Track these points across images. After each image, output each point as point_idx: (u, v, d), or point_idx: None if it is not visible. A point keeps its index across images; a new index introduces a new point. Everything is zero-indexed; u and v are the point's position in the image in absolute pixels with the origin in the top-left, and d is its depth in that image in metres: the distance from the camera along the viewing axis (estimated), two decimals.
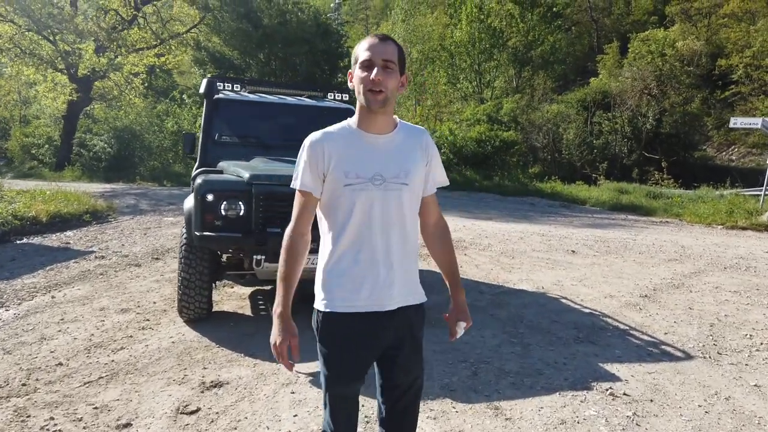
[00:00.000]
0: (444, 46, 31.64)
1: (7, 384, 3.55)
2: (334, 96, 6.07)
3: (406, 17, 34.09)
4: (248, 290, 5.90)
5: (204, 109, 5.47)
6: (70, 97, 24.12)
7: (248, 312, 5.19)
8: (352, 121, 1.91)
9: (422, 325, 2.11)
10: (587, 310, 5.63)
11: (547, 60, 30.70)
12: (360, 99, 1.84)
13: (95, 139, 23.66)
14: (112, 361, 3.94)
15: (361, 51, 1.83)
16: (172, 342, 4.31)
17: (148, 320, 4.83)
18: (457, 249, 8.70)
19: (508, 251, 8.65)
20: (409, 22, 34.78)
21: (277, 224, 4.35)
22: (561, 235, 10.42)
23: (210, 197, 4.29)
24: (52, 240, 8.74)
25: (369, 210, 1.86)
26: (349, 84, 1.92)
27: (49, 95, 25.17)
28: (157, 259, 7.38)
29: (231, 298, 5.61)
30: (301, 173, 1.91)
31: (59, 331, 4.56)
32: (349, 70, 1.91)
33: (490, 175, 21.30)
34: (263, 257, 4.33)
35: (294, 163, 5.13)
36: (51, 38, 22.04)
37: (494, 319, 5.18)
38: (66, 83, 24.03)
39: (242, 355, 4.11)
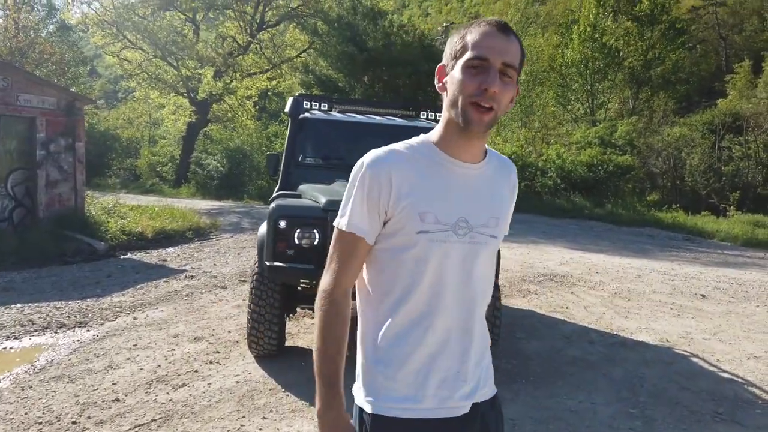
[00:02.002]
0: (554, 66, 30.36)
1: (58, 420, 3.32)
2: (427, 115, 5.56)
3: None
4: None
5: (288, 128, 5.16)
6: (190, 119, 25.70)
7: None
8: (431, 139, 1.38)
9: (502, 425, 1.51)
10: (726, 375, 4.61)
11: (668, 80, 28.46)
12: (453, 111, 1.30)
13: (209, 158, 24.90)
14: (170, 400, 3.62)
15: (472, 40, 1.27)
16: (237, 382, 3.93)
17: (218, 352, 4.52)
18: (563, 285, 7.81)
19: (623, 291, 7.62)
20: None
21: None
22: (687, 275, 9.14)
23: (283, 224, 3.90)
24: (152, 257, 8.91)
25: (445, 270, 1.32)
26: (437, 84, 1.37)
27: (171, 117, 27.00)
28: (243, 281, 7.20)
29: (308, 330, 5.20)
30: (350, 208, 1.33)
31: (128, 359, 4.35)
32: (440, 64, 1.35)
33: (601, 202, 19.77)
34: None
35: None
36: (174, 64, 23.60)
37: (607, 380, 4.34)
38: (186, 106, 25.63)
39: (307, 404, 3.64)
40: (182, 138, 27.52)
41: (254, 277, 4.20)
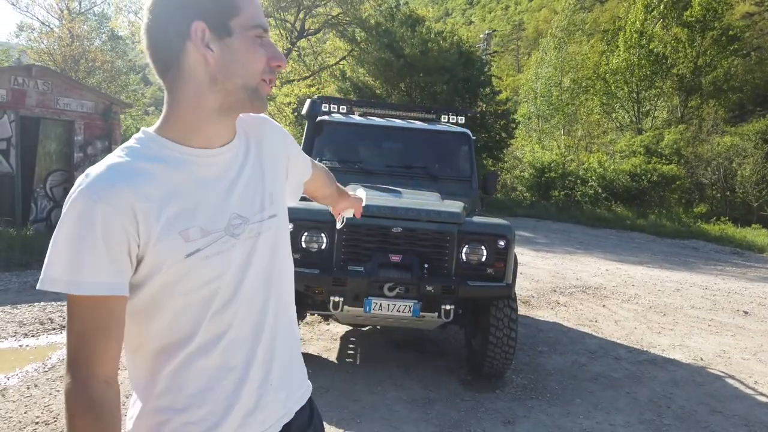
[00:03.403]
0: (599, 74, 29.62)
1: (55, 420, 3.29)
2: (449, 118, 5.40)
3: (559, 44, 32.51)
4: (344, 328, 5.35)
5: (305, 130, 5.09)
6: None
7: (334, 357, 4.61)
8: (163, 136, 1.06)
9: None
10: (763, 399, 4.27)
11: (720, 87, 27.35)
12: (236, 87, 1.05)
13: None
14: None
15: (241, 2, 1.03)
16: None
17: None
18: (595, 297, 7.48)
19: (658, 306, 7.24)
20: (561, 50, 33.16)
21: (360, 262, 3.75)
22: (730, 290, 8.64)
23: (290, 227, 3.80)
24: None
25: (234, 281, 1.09)
26: (197, 48, 1.01)
27: None
28: None
29: (322, 337, 5.09)
30: (80, 261, 0.95)
31: None
32: (197, 21, 1.00)
33: (644, 212, 19.08)
34: (341, 299, 3.73)
35: (396, 192, 4.56)
36: None
37: (631, 399, 4.06)
38: None
39: None
40: None
41: None
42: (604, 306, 7.07)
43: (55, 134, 9.70)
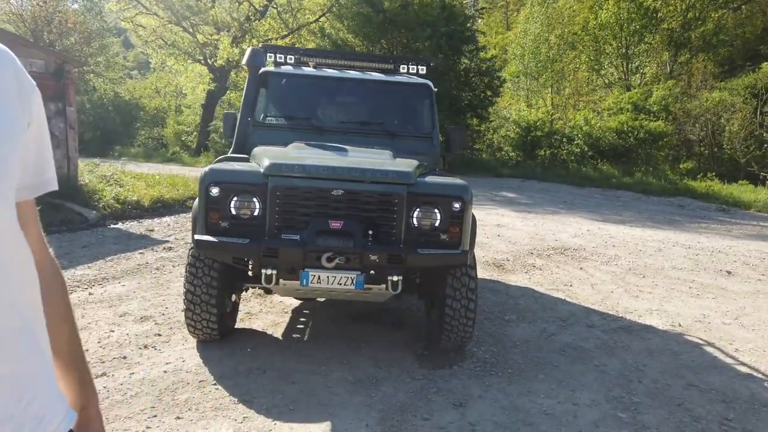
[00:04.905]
0: (587, 29, 28.80)
1: None
2: (408, 68, 4.90)
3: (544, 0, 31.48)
4: (297, 300, 4.95)
5: (246, 84, 4.58)
6: (209, 87, 25.30)
7: (280, 332, 4.23)
8: None
9: None
10: (744, 369, 3.95)
11: (709, 42, 26.66)
12: None
13: None
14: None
15: None
16: (164, 372, 3.45)
17: (159, 335, 4.05)
18: (573, 260, 7.14)
19: (638, 267, 6.91)
20: (549, 5, 32.15)
21: (296, 230, 3.32)
22: (714, 249, 8.34)
23: (215, 191, 3.35)
24: (141, 226, 8.53)
25: None
26: None
27: (189, 85, 26.65)
28: None
29: (272, 310, 4.70)
30: None
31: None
32: None
33: (631, 170, 18.72)
34: (274, 272, 3.31)
35: (341, 150, 4.10)
36: (190, 30, 23.11)
37: (599, 374, 3.72)
38: (205, 73, 25.21)
39: (236, 400, 3.13)
40: (202, 106, 27.19)
41: (189, 252, 3.69)
42: (581, 269, 6.72)
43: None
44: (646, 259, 7.35)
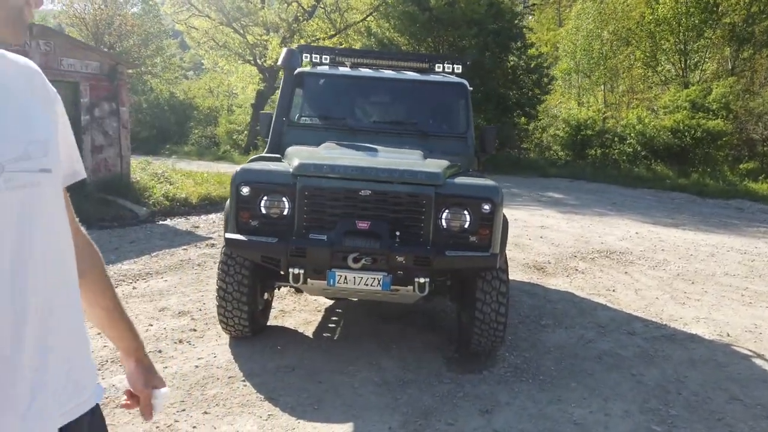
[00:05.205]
0: (642, 24, 27.82)
1: None
2: (443, 67, 4.84)
3: None
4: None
5: (281, 84, 4.63)
6: (258, 87, 25.80)
7: (311, 331, 4.26)
8: None
9: None
10: None
11: None
12: (9, 8, 0.91)
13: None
14: (113, 385, 3.27)
15: None
16: (196, 366, 3.54)
17: (194, 330, 4.15)
18: (618, 264, 6.91)
19: (687, 273, 6.62)
20: (602, 0, 31.23)
21: (324, 230, 3.33)
22: None
23: (245, 190, 3.40)
24: (187, 223, 8.78)
25: None
26: None
27: (240, 85, 27.27)
28: None
29: (305, 308, 4.74)
30: None
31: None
32: None
33: (687, 171, 17.97)
34: (302, 271, 3.33)
35: (371, 151, 4.09)
36: (240, 31, 23.62)
37: (635, 384, 3.58)
38: (254, 73, 25.72)
39: (262, 397, 3.18)
40: (252, 106, 27.75)
41: (222, 250, 3.76)
42: (626, 273, 6.50)
43: (60, 96, 9.48)
44: (697, 265, 7.04)
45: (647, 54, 27.74)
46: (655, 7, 26.87)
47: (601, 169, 19.09)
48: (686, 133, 18.89)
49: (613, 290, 5.77)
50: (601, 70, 28.97)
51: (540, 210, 11.43)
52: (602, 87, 31.28)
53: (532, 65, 20.30)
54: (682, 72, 26.75)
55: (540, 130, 23.47)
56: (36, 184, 0.91)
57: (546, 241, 8.21)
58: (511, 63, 19.48)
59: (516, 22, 20.55)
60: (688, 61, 26.74)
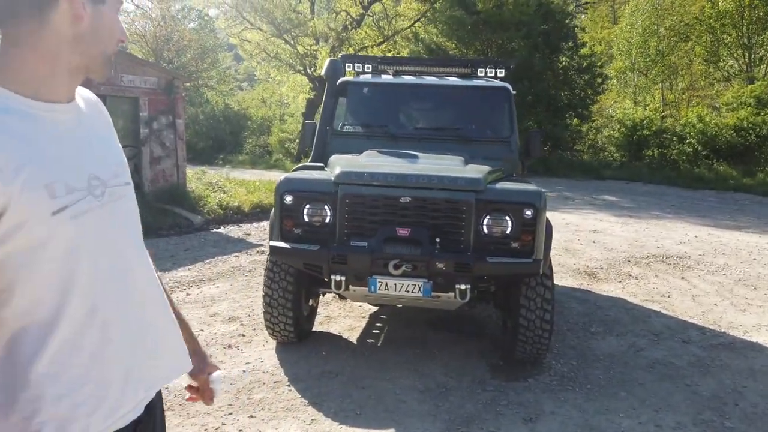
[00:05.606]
0: (701, 19, 26.71)
1: None
2: (486, 71, 4.81)
3: None
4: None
5: (325, 93, 4.71)
6: (308, 96, 26.29)
7: (355, 337, 4.30)
8: (1, 84, 0.97)
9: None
10: None
11: None
12: (97, 52, 1.04)
13: None
14: (166, 387, 3.40)
15: None
16: (243, 371, 3.64)
17: (243, 335, 4.27)
18: (674, 269, 6.65)
19: (750, 278, 6.30)
20: None
21: (365, 237, 3.37)
22: None
23: (289, 199, 3.49)
24: (239, 230, 9.04)
25: (100, 246, 1.02)
26: (70, 8, 0.98)
27: (291, 94, 27.85)
28: None
29: (350, 314, 4.79)
30: None
31: None
32: None
33: (752, 171, 17.11)
34: (343, 278, 3.38)
35: (412, 157, 4.10)
36: (291, 42, 24.14)
37: (690, 394, 3.44)
38: (304, 83, 26.22)
39: (306, 402, 3.23)
40: (302, 114, 28.28)
41: (267, 257, 3.86)
42: (683, 278, 6.25)
43: (121, 111, 9.95)
44: (760, 269, 6.69)
45: (708, 49, 26.61)
46: (716, 1, 25.78)
47: (659, 170, 18.42)
48: (751, 131, 18.01)
49: (669, 296, 5.57)
50: (658, 67, 27.99)
51: (593, 213, 11.14)
52: (660, 85, 30.22)
53: (584, 65, 19.85)
54: (746, 67, 25.54)
55: (594, 131, 22.88)
56: (124, 195, 1.10)
57: (598, 245, 8.00)
58: (563, 64, 19.09)
59: (567, 21, 20.13)
60: (752, 56, 25.51)
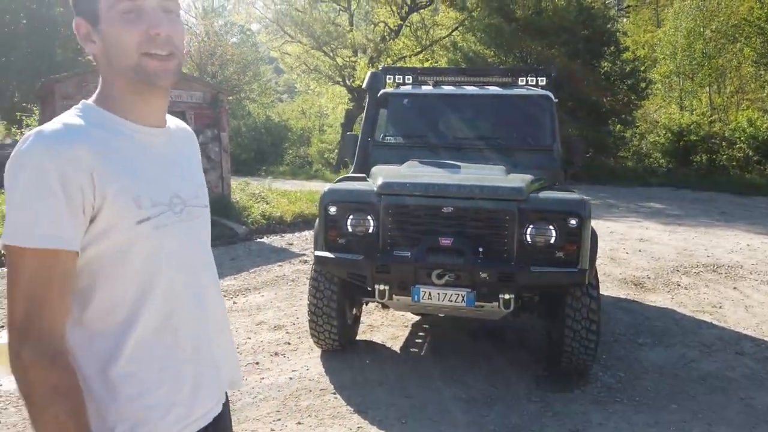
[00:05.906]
0: (750, 19, 25.85)
1: None
2: (527, 80, 4.80)
3: None
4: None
5: (366, 105, 4.79)
6: (347, 106, 26.60)
7: (399, 346, 4.33)
8: (102, 107, 1.09)
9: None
10: None
11: None
12: (123, 72, 1.07)
13: None
14: None
15: None
16: (290, 378, 3.71)
17: (289, 343, 4.36)
18: (726, 278, 6.45)
19: None
20: None
21: (408, 247, 3.41)
22: None
23: (333, 210, 3.57)
24: (282, 240, 9.20)
25: (176, 257, 1.12)
26: (85, 44, 1.09)
27: (330, 105, 28.23)
28: None
29: (393, 323, 4.82)
30: (35, 215, 0.96)
31: None
32: (77, 18, 1.08)
33: None
34: (387, 287, 3.42)
35: (453, 168, 4.12)
36: (330, 54, 24.51)
37: (744, 407, 3.34)
38: (343, 94, 26.55)
39: (351, 409, 3.28)
40: (341, 125, 28.60)
41: (312, 267, 3.94)
42: (735, 288, 6.05)
43: None
44: None
45: (758, 51, 25.71)
46: (765, 1, 24.92)
47: (708, 176, 17.87)
48: None
49: (720, 307, 5.40)
50: (705, 70, 27.19)
51: (639, 221, 10.89)
52: (707, 89, 29.31)
53: (627, 70, 19.46)
54: None
55: (638, 137, 22.36)
56: (200, 216, 1.20)
57: (645, 254, 7.82)
58: (604, 69, 18.76)
59: (608, 26, 19.80)
60: None
